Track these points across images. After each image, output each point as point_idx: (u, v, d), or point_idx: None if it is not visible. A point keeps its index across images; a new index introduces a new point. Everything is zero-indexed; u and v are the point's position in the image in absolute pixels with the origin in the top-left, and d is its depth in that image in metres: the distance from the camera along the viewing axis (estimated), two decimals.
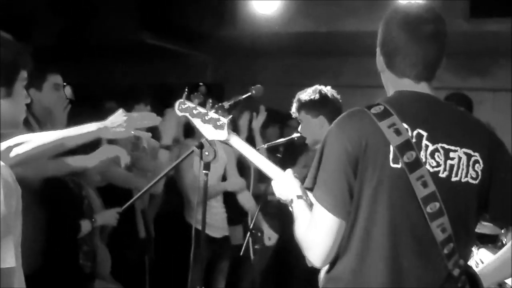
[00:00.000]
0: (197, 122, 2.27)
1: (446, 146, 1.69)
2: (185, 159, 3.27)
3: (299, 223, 1.82)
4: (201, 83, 6.54)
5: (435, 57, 1.76)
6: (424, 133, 1.68)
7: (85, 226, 3.26)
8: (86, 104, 4.94)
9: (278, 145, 3.49)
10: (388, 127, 1.66)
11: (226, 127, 2.22)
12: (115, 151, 2.80)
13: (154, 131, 4.31)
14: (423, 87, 1.78)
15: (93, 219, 3.31)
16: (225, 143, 2.30)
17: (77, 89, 5.77)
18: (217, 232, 4.15)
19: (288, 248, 3.24)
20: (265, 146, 3.64)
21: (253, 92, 2.89)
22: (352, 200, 1.68)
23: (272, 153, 4.00)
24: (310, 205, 1.83)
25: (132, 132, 2.35)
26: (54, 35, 5.77)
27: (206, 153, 2.78)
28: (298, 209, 1.88)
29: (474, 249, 3.72)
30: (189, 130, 4.49)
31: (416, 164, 1.65)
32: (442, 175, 1.68)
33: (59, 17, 5.71)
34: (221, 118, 2.23)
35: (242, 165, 4.27)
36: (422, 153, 1.67)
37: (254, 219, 3.67)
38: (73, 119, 3.09)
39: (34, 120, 3.09)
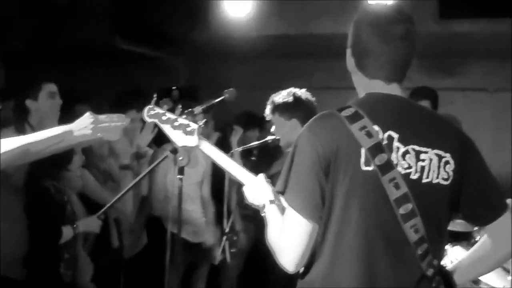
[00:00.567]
0: (166, 129, 2.23)
1: (417, 148, 1.71)
2: (159, 164, 3.26)
3: (272, 228, 1.81)
4: (174, 87, 6.52)
5: (406, 58, 1.78)
6: (395, 135, 1.69)
7: (67, 232, 3.22)
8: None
9: (252, 148, 3.49)
10: (359, 130, 1.66)
11: (196, 133, 2.18)
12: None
13: None
14: (393, 88, 1.79)
15: (75, 226, 3.27)
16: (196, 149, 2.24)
17: None
18: (194, 237, 4.15)
19: (265, 252, 3.25)
20: (239, 149, 3.64)
21: (226, 95, 2.88)
22: (323, 203, 1.67)
23: (246, 157, 4.01)
24: (283, 210, 1.82)
25: (99, 134, 2.24)
26: (25, 39, 5.68)
27: (180, 158, 2.77)
28: (271, 214, 1.86)
29: (448, 246, 3.77)
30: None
31: (388, 166, 1.66)
32: (414, 176, 1.69)
33: (31, 22, 5.63)
34: (191, 123, 2.19)
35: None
36: (394, 155, 1.68)
37: (229, 223, 3.67)
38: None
39: (31, 130, 3.05)
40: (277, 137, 3.23)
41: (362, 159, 1.65)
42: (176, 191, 3.06)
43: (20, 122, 3.07)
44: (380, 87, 1.79)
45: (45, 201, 3.19)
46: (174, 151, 3.01)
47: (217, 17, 5.23)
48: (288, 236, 1.69)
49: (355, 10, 1.92)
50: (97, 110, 2.37)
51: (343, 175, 1.66)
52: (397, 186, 1.66)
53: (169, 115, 2.23)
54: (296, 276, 1.80)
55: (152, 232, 4.16)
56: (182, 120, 2.21)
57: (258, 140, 3.44)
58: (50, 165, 3.12)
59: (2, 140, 2.13)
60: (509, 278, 3.36)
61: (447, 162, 1.73)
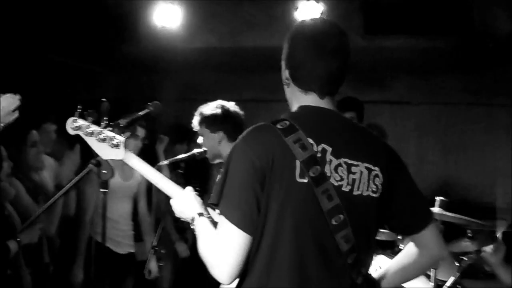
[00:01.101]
0: (91, 141, 2.16)
1: (349, 161, 1.75)
2: (84, 177, 3.19)
3: (203, 240, 1.78)
4: (104, 99, 6.41)
5: (339, 72, 1.82)
6: (329, 148, 1.73)
7: (13, 247, 3.10)
8: None
9: (180, 161, 3.46)
10: (294, 142, 1.69)
11: (122, 146, 2.12)
12: None
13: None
14: (327, 102, 1.83)
15: (18, 239, 3.15)
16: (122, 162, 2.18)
17: None
18: (121, 249, 4.09)
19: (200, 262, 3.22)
20: (167, 162, 3.60)
21: (151, 108, 2.85)
22: (258, 215, 1.67)
23: (174, 169, 3.98)
24: (213, 222, 1.82)
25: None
26: None
27: (104, 171, 2.72)
28: (201, 227, 1.84)
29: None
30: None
31: (322, 178, 1.69)
32: (345, 189, 1.74)
33: None
34: (117, 136, 2.14)
35: None
36: (327, 168, 1.71)
37: (157, 236, 3.62)
38: None
39: None
40: (204, 149, 3.22)
41: (297, 171, 1.68)
42: (100, 204, 3.02)
43: None
44: (314, 100, 1.82)
45: None
46: (98, 164, 2.95)
47: (146, 29, 5.19)
48: (223, 248, 1.67)
49: (282, 24, 1.96)
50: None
51: (278, 187, 1.67)
52: (330, 198, 1.70)
53: (94, 127, 2.15)
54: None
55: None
56: (107, 133, 2.14)
57: (187, 152, 3.42)
58: None
59: None
60: (431, 284, 3.46)
61: (376, 176, 1.79)
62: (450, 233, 4.40)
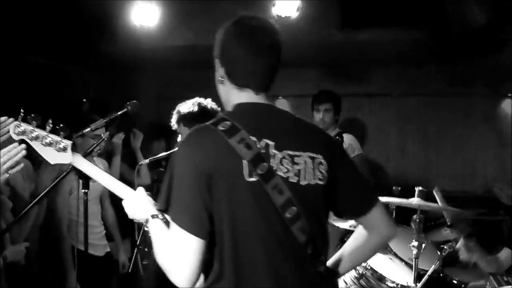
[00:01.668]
0: (36, 146, 2.10)
1: (291, 153, 1.78)
2: (63, 179, 3.17)
3: (159, 244, 1.77)
4: (84, 100, 6.38)
5: (273, 68, 1.86)
6: (271, 143, 1.75)
7: None
8: None
9: (160, 159, 3.48)
10: (238, 143, 1.70)
11: (69, 149, 2.09)
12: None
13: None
14: (262, 98, 1.87)
15: (3, 256, 3.12)
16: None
17: None
18: (99, 251, 4.08)
19: None
20: (147, 161, 3.61)
21: (129, 108, 2.86)
22: (209, 219, 1.68)
23: (155, 167, 3.99)
24: (167, 223, 1.81)
25: (6, 174, 2.15)
26: None
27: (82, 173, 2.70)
28: (155, 229, 1.83)
29: None
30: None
31: (270, 174, 1.72)
32: (293, 180, 1.77)
33: None
34: (64, 140, 2.10)
35: None
36: (272, 162, 1.74)
37: (141, 235, 3.63)
38: None
39: None
40: None
41: (245, 171, 1.69)
42: (81, 207, 3.00)
43: None
44: (250, 97, 1.86)
45: None
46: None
47: (125, 29, 5.16)
48: (177, 254, 1.67)
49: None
50: None
51: (227, 189, 1.68)
52: (280, 192, 1.72)
53: (39, 131, 2.10)
54: None
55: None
56: (53, 137, 2.10)
57: (165, 150, 3.44)
58: None
59: None
60: (412, 273, 3.51)
61: (320, 163, 1.83)
62: (430, 222, 4.48)
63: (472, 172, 6.13)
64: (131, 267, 3.78)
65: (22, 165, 2.20)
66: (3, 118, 2.54)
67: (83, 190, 2.90)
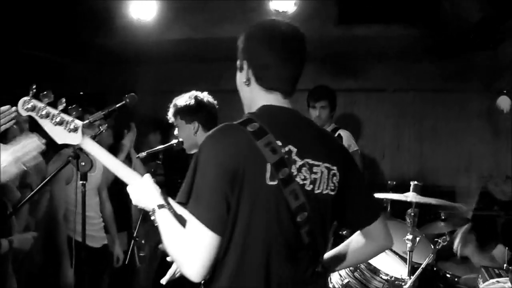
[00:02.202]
0: (45, 124, 2.01)
1: (311, 161, 1.83)
2: (62, 170, 3.19)
3: (170, 236, 1.78)
4: (81, 93, 6.39)
5: (299, 73, 1.91)
6: (294, 149, 1.79)
7: (4, 245, 3.10)
8: None
9: (158, 152, 3.50)
10: (265, 146, 1.73)
11: (80, 130, 2.02)
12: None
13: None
14: (288, 102, 1.91)
15: (10, 240, 3.15)
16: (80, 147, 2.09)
17: None
18: (96, 242, 4.11)
19: None
20: (145, 154, 3.63)
21: (127, 100, 2.87)
22: (228, 216, 1.71)
23: (152, 160, 4.01)
24: (175, 215, 1.83)
25: (22, 166, 2.10)
26: None
27: (82, 163, 2.71)
28: (163, 220, 1.83)
29: None
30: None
31: (289, 179, 1.76)
32: (308, 188, 1.82)
33: None
34: (76, 120, 2.01)
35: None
36: (293, 168, 1.78)
37: (138, 227, 3.65)
38: None
39: None
40: (181, 140, 3.26)
41: (268, 174, 1.72)
42: (79, 198, 3.01)
43: None
44: (277, 99, 1.89)
45: None
46: (76, 156, 2.95)
47: (122, 22, 5.18)
48: (193, 247, 1.68)
49: (256, 14, 1.99)
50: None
51: (249, 189, 1.71)
52: (296, 197, 1.77)
53: (50, 109, 2.01)
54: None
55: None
56: (64, 116, 2.01)
57: (161, 143, 3.46)
58: None
59: None
60: (406, 266, 3.55)
61: (334, 174, 1.88)
62: (425, 216, 4.51)
63: (467, 167, 6.17)
64: (128, 259, 3.79)
65: (40, 159, 2.17)
66: (4, 107, 2.55)
67: (81, 182, 2.91)
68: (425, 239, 4.04)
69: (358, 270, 3.49)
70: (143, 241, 3.80)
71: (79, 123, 2.02)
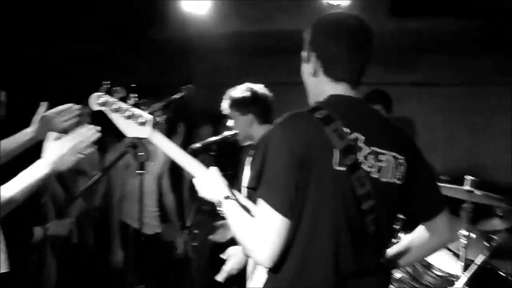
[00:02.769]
0: (116, 118, 2.09)
1: (377, 150, 1.84)
2: (119, 159, 3.28)
3: (239, 225, 1.83)
4: (134, 85, 6.50)
5: (366, 64, 1.93)
6: (361, 137, 1.81)
7: (38, 233, 3.22)
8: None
9: (211, 144, 3.53)
10: (333, 132, 1.76)
11: (149, 124, 2.09)
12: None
13: None
14: (356, 93, 1.94)
15: (45, 227, 3.27)
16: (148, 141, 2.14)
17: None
18: (149, 229, 4.22)
19: (222, 245, 3.29)
20: (199, 145, 3.67)
21: (185, 92, 2.92)
22: (297, 201, 1.73)
23: (206, 152, 4.06)
24: (242, 206, 1.88)
25: (80, 155, 2.15)
26: None
27: (140, 153, 2.78)
28: (231, 210, 1.89)
29: None
30: None
31: (356, 166, 1.78)
32: (375, 175, 1.83)
33: None
34: (145, 114, 2.09)
35: None
36: (359, 155, 1.80)
37: (191, 217, 3.71)
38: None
39: None
40: (235, 132, 3.30)
41: (335, 160, 1.75)
42: (136, 187, 3.09)
43: None
44: (345, 90, 1.92)
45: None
46: (134, 146, 3.03)
47: (175, 16, 5.25)
48: (264, 233, 1.72)
49: (310, 7, 2.01)
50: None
51: (317, 175, 1.73)
52: (362, 185, 1.78)
53: (121, 104, 2.08)
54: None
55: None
56: (135, 110, 2.08)
57: (213, 135, 3.49)
58: None
59: None
60: (460, 263, 3.50)
61: (400, 164, 1.89)
62: (480, 212, 4.42)
63: None
64: (181, 248, 3.87)
65: (95, 147, 2.24)
66: (66, 106, 2.61)
67: (138, 171, 2.99)
68: (479, 235, 3.97)
69: (411, 265, 3.47)
70: (196, 231, 3.86)
71: (149, 117, 2.09)
